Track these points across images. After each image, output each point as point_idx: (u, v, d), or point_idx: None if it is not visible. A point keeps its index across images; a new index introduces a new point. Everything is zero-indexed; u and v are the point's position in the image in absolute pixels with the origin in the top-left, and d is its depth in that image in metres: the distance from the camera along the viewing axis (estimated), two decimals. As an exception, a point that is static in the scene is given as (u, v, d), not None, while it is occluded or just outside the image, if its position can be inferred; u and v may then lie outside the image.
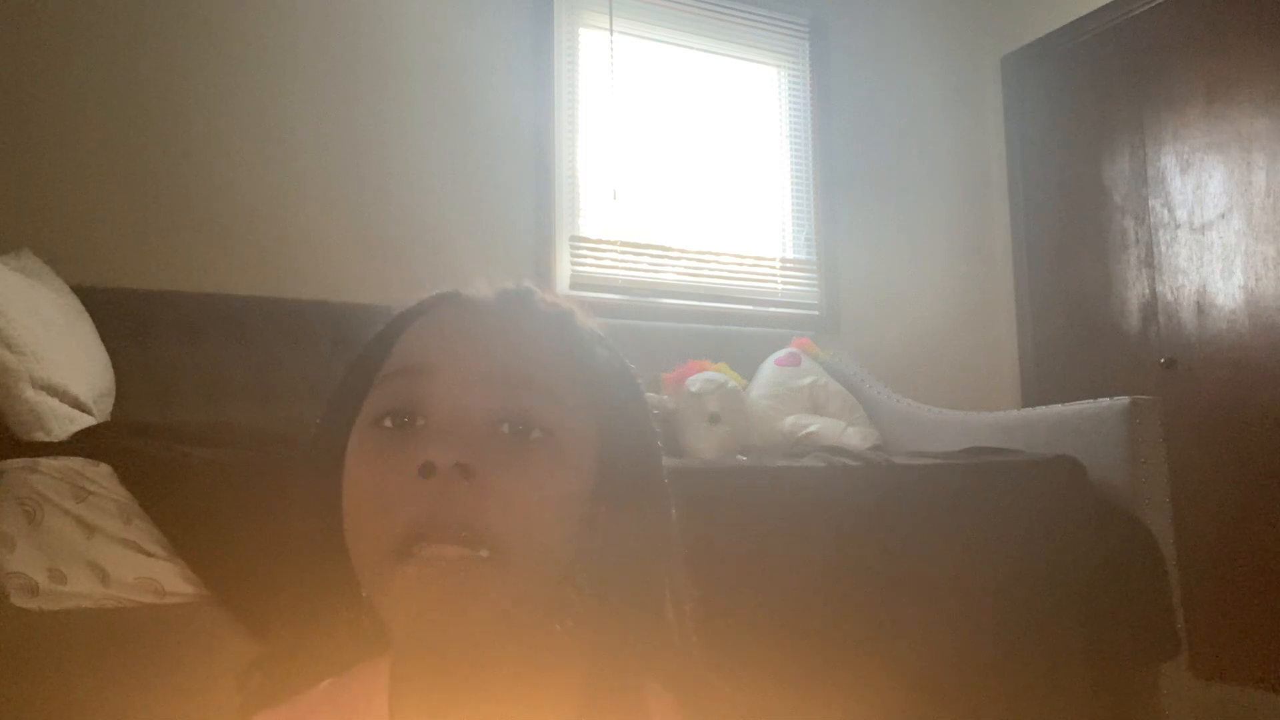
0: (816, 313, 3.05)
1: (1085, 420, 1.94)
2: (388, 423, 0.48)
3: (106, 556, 1.10)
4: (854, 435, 2.35)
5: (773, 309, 2.98)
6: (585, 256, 2.72)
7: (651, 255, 2.82)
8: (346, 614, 0.52)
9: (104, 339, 1.77)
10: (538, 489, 0.47)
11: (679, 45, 2.96)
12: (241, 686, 0.52)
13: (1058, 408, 2.05)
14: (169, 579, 1.12)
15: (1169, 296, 2.80)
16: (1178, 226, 2.80)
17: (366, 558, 0.46)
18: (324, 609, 0.52)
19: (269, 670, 0.52)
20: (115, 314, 1.90)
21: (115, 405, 1.71)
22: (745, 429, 2.32)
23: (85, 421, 1.33)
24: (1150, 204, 2.89)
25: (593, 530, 0.51)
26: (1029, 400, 3.19)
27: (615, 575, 0.51)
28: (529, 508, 0.46)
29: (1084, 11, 3.09)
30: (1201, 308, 2.71)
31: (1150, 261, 2.87)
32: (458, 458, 0.44)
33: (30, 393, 1.25)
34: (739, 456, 2.13)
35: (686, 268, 2.87)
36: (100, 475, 1.13)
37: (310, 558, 0.52)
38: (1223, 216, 2.67)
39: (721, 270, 2.93)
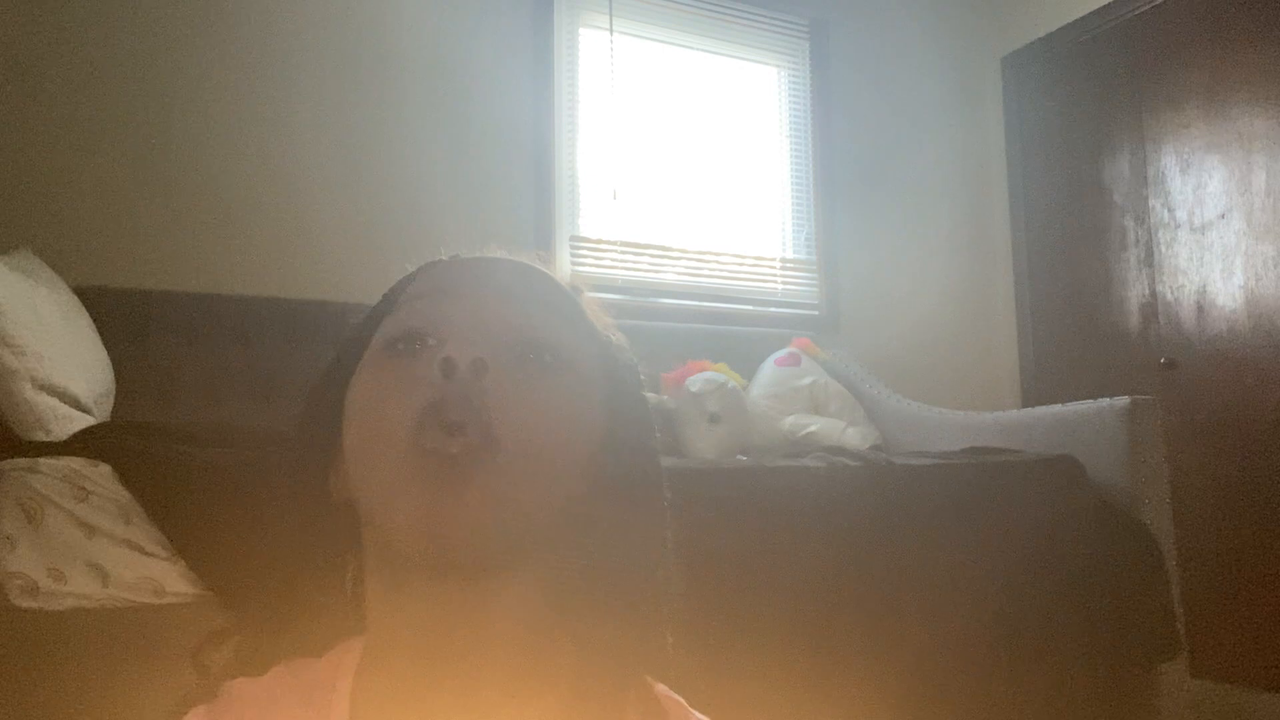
0: (816, 313, 3.05)
1: (1085, 420, 1.94)
2: (401, 345, 0.47)
3: (106, 556, 1.10)
4: (854, 435, 2.35)
5: (773, 309, 2.98)
6: (585, 256, 2.72)
7: (651, 255, 2.82)
8: (329, 592, 0.51)
9: (104, 339, 1.77)
10: (549, 399, 0.47)
11: (679, 45, 2.96)
12: (206, 657, 0.51)
13: (1058, 408, 2.05)
14: (169, 579, 1.12)
15: (1169, 296, 2.80)
16: (1178, 226, 2.80)
17: (374, 469, 0.45)
18: (306, 585, 0.51)
19: (243, 643, 0.51)
20: (115, 314, 1.90)
21: (115, 405, 1.71)
22: (745, 429, 2.32)
23: (85, 421, 1.33)
24: (1150, 204, 2.88)
25: (591, 527, 0.50)
26: (1029, 400, 3.19)
27: (612, 574, 0.51)
28: (539, 413, 0.46)
29: (1084, 11, 3.09)
30: (1201, 308, 2.71)
31: (1150, 261, 2.87)
32: (477, 353, 0.44)
33: (30, 393, 1.25)
34: (739, 456, 2.13)
35: (686, 268, 2.87)
36: (100, 475, 1.13)
37: (299, 533, 0.51)
38: (1223, 216, 2.67)
39: (721, 270, 2.93)
